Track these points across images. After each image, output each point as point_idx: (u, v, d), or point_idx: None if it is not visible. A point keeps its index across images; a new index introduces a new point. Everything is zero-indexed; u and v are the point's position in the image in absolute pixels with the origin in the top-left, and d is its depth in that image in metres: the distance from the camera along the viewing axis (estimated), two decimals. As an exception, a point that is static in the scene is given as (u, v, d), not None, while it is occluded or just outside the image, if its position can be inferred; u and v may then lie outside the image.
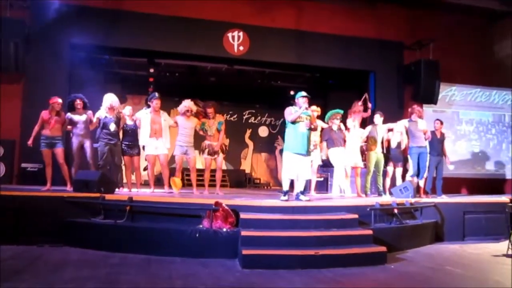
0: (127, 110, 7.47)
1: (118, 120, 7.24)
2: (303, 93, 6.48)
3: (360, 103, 8.41)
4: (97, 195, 5.92)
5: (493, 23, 11.44)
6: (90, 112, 7.15)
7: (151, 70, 11.05)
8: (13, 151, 8.27)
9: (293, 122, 6.38)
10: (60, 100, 6.85)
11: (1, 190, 5.92)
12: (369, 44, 10.36)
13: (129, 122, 7.41)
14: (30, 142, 6.70)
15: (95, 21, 8.67)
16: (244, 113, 14.31)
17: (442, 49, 10.46)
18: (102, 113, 7.13)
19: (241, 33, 9.55)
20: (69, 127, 7.09)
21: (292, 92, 12.18)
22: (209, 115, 7.51)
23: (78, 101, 7.06)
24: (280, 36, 9.84)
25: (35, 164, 7.98)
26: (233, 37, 9.52)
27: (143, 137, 7.31)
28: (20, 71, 8.22)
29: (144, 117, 7.34)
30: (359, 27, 10.32)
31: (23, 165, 8.10)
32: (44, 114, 6.78)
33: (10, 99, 8.28)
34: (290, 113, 6.44)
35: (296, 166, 6.34)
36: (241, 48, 9.56)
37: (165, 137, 7.39)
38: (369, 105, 8.84)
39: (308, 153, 6.45)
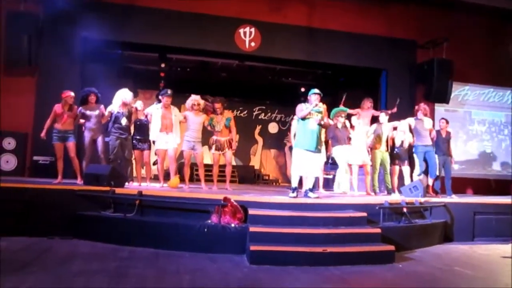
0: (138, 105, 7.53)
1: (130, 115, 7.29)
2: (316, 90, 6.48)
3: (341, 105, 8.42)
4: (107, 188, 5.97)
5: (508, 23, 11.29)
6: (102, 106, 7.19)
7: (162, 65, 11.08)
8: (25, 144, 8.37)
9: (303, 119, 6.39)
10: (72, 94, 6.91)
11: (13, 182, 6.01)
12: (381, 42, 10.29)
13: (141, 117, 7.48)
14: (42, 134, 6.77)
15: (107, 15, 8.70)
16: (254, 109, 14.31)
17: (455, 48, 10.35)
18: (114, 107, 7.17)
19: (252, 29, 9.54)
20: (81, 120, 7.14)
21: (303, 89, 12.15)
22: (217, 111, 7.53)
23: (92, 96, 7.11)
24: (291, 32, 9.82)
25: (47, 157, 8.08)
26: (244, 33, 9.52)
27: (154, 132, 7.37)
28: (33, 65, 8.31)
29: (155, 112, 7.40)
30: (371, 24, 10.26)
31: (35, 158, 8.20)
32: (57, 108, 6.84)
33: (23, 92, 8.39)
34: (301, 109, 6.47)
35: (305, 162, 6.35)
36: (253, 44, 9.56)
37: (175, 132, 7.44)
38: (395, 109, 8.75)
39: (318, 150, 6.44)
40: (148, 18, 9.01)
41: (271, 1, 9.73)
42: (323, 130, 7.97)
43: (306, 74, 12.14)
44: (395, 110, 8.71)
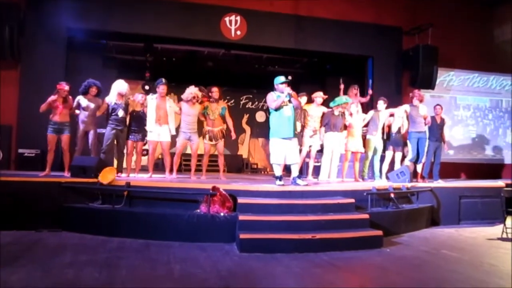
0: (139, 97, 7.48)
1: (127, 107, 7.27)
2: (282, 79, 6.47)
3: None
4: (95, 180, 5.93)
5: (492, 8, 11.38)
6: (101, 100, 7.20)
7: (148, 55, 10.96)
8: (10, 137, 8.25)
9: (277, 108, 6.37)
10: (66, 87, 6.82)
11: (-1, 176, 5.93)
12: (368, 29, 10.29)
13: (138, 108, 7.43)
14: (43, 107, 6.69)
15: (92, 5, 8.57)
16: (241, 98, 14.25)
17: (440, 34, 10.40)
18: (111, 98, 7.16)
19: (238, 18, 9.47)
20: (77, 111, 7.10)
21: (290, 77, 12.10)
22: (214, 96, 7.50)
23: (93, 88, 7.13)
24: (277, 20, 9.76)
25: (32, 149, 7.98)
26: (230, 21, 9.45)
27: (150, 123, 7.35)
28: (16, 56, 8.15)
29: (150, 103, 7.36)
30: (358, 12, 10.25)
31: (20, 150, 8.08)
32: (52, 100, 6.74)
33: (6, 84, 8.22)
34: (273, 99, 6.42)
35: (285, 151, 6.36)
36: (238, 32, 9.50)
37: (170, 123, 7.41)
38: (370, 91, 8.87)
39: (294, 135, 6.45)
40: (133, 7, 8.88)
41: (256, -11, 9.65)
42: (318, 119, 8.01)
43: (293, 62, 12.11)
44: (370, 91, 8.83)
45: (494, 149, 11.58)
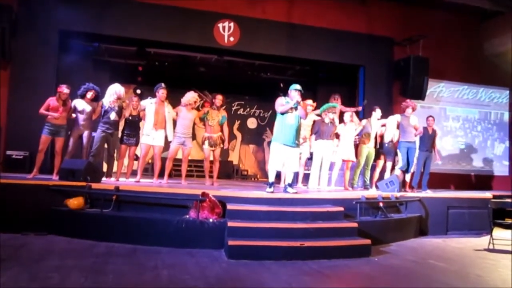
0: (134, 100, 7.49)
1: (121, 110, 7.24)
2: (297, 87, 6.49)
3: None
4: (83, 183, 5.89)
5: (483, 21, 11.55)
6: (97, 104, 7.19)
7: (140, 59, 10.93)
8: (-2, 138, 8.17)
9: (283, 113, 6.40)
10: (66, 90, 6.85)
11: (-15, 178, 5.85)
12: (360, 38, 10.39)
13: (134, 113, 7.42)
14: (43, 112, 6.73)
15: (85, 7, 8.53)
16: (233, 105, 14.25)
17: (431, 46, 10.54)
18: (105, 101, 7.14)
19: (232, 24, 9.50)
20: (73, 115, 7.09)
21: (281, 85, 12.17)
22: (216, 103, 7.54)
23: (90, 92, 7.14)
24: (271, 28, 9.80)
25: (20, 151, 7.89)
26: (223, 27, 9.47)
27: (147, 127, 7.34)
28: (7, 58, 8.09)
29: (149, 107, 7.36)
30: (350, 21, 10.34)
31: (8, 152, 7.99)
32: (52, 101, 6.77)
33: (-5, 85, 8.17)
34: (281, 104, 6.46)
35: (283, 157, 6.37)
36: (232, 39, 9.52)
37: (168, 129, 7.41)
38: (359, 108, 8.92)
39: (296, 144, 6.46)
40: (126, 11, 8.87)
41: (251, -4, 9.70)
42: (308, 127, 8.03)
43: (285, 69, 12.15)
44: (359, 108, 8.86)
45: (482, 160, 11.70)
